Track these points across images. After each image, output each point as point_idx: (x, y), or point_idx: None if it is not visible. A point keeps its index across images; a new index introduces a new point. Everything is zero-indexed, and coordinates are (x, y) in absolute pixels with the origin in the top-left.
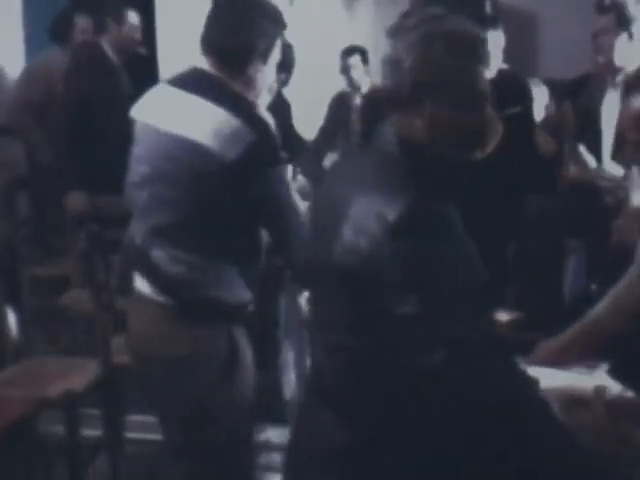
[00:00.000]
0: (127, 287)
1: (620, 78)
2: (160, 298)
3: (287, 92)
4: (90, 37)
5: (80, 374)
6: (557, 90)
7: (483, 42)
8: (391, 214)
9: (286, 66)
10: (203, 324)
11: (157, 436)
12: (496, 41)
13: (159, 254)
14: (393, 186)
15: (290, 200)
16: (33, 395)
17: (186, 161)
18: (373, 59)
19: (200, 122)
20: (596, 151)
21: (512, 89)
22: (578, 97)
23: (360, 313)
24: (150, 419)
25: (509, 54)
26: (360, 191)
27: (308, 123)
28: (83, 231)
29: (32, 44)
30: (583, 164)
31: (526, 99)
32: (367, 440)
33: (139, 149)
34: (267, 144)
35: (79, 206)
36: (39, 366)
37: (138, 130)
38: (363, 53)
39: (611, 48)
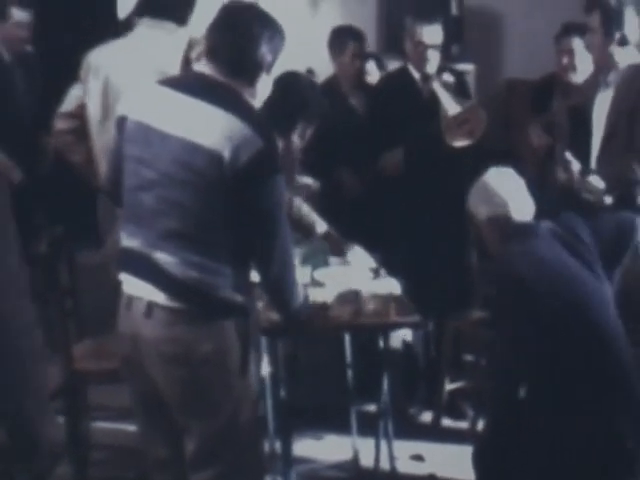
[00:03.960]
0: None
1: (611, 78)
2: (172, 303)
3: None
4: None
5: None
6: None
7: None
8: None
9: None
10: (216, 322)
11: (121, 442)
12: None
13: (168, 259)
14: None
15: (281, 211)
16: None
17: (199, 166)
18: None
19: (212, 128)
20: (586, 150)
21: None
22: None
23: None
24: (113, 426)
25: (475, 54)
26: None
27: None
28: (46, 235)
29: None
30: (569, 172)
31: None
32: None
33: (137, 151)
34: (272, 152)
35: None
36: None
37: (134, 130)
38: (378, 60)
39: (598, 48)
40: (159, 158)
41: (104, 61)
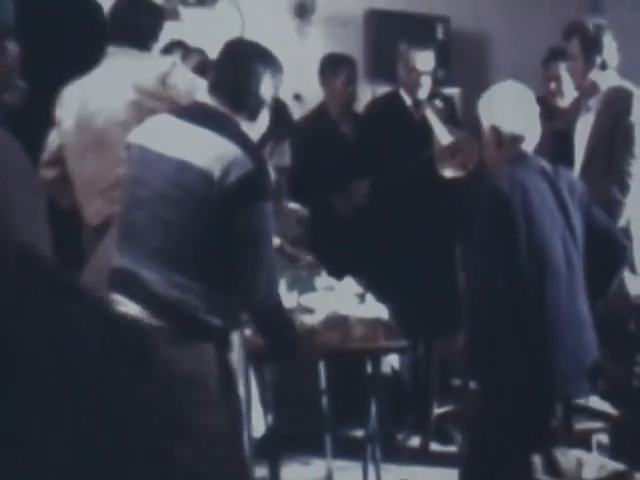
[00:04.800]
0: None
1: (592, 102)
2: (152, 321)
3: None
4: None
5: None
6: None
7: None
8: None
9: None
10: (196, 344)
11: None
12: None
13: (152, 277)
14: None
15: (267, 237)
16: None
17: (189, 183)
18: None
19: (205, 149)
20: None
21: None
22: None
23: None
24: None
25: (461, 78)
26: None
27: None
28: None
29: None
30: None
31: None
32: None
33: (135, 172)
34: (262, 177)
35: None
36: None
37: (135, 153)
38: None
39: (579, 73)
40: (153, 177)
41: (78, 93)
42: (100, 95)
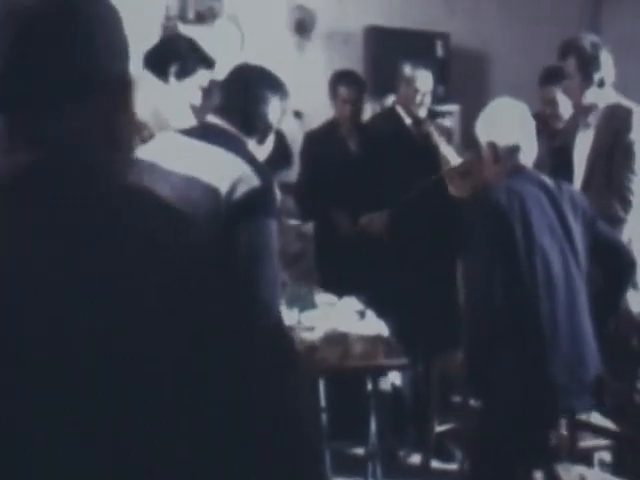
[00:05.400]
0: None
1: (590, 119)
2: None
3: None
4: None
5: None
6: None
7: None
8: None
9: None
10: None
11: None
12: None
13: None
14: None
15: (271, 256)
16: None
17: (195, 198)
18: (323, 98)
19: (212, 165)
20: None
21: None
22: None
23: None
24: None
25: (460, 95)
26: None
27: None
28: None
29: None
30: None
31: None
32: None
33: None
34: (268, 195)
35: None
36: None
37: (141, 170)
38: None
39: (575, 92)
40: (161, 192)
41: None
42: None
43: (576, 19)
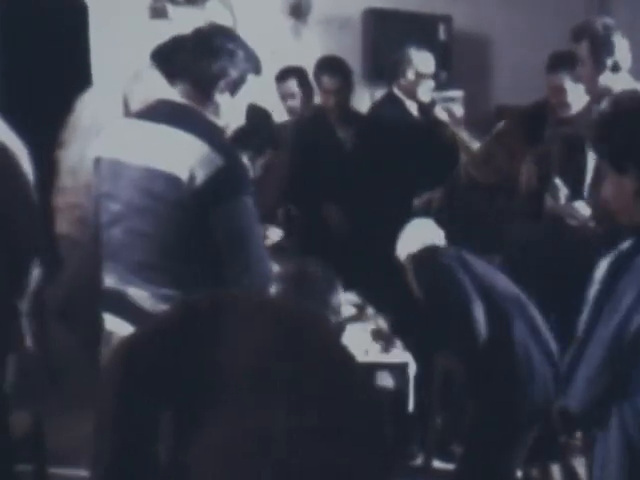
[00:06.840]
0: None
1: (604, 105)
2: None
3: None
4: None
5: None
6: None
7: None
8: None
9: None
10: None
11: None
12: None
13: (139, 293)
14: None
15: (253, 233)
16: None
17: (158, 191)
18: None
19: (170, 151)
20: (581, 178)
21: None
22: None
23: None
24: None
25: (464, 80)
26: None
27: None
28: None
29: None
30: (556, 198)
31: None
32: None
33: (107, 187)
34: (235, 171)
35: None
36: None
37: (106, 168)
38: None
39: (589, 77)
40: (124, 190)
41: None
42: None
43: (581, 3)
